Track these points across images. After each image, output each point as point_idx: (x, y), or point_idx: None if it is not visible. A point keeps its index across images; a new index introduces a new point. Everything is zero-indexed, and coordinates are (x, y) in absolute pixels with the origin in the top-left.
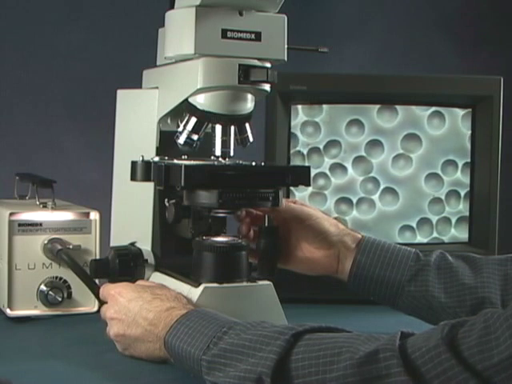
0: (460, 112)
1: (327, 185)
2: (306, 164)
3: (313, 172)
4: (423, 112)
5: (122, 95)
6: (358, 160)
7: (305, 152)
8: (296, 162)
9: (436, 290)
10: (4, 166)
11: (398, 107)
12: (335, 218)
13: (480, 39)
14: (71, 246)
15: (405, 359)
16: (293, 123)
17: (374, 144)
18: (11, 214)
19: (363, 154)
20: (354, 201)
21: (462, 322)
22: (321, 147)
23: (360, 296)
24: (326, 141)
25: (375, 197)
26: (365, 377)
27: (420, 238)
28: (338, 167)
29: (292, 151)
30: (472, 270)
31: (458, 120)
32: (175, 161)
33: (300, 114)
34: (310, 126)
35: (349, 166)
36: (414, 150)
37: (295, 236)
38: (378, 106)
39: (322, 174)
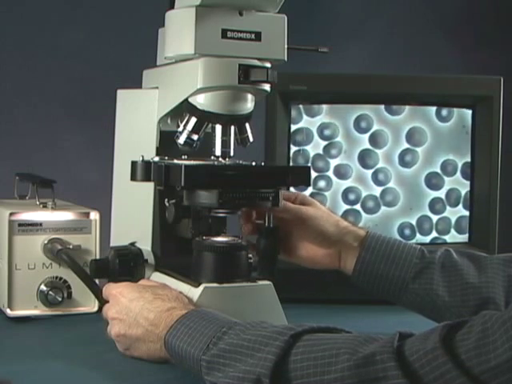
0: (467, 112)
1: (329, 184)
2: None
3: (318, 170)
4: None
5: (122, 95)
6: (362, 158)
7: (311, 154)
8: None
9: (440, 288)
10: (4, 166)
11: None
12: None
13: (480, 39)
14: (71, 246)
15: (402, 362)
16: (307, 122)
17: (377, 142)
18: (11, 214)
19: (367, 147)
20: (360, 199)
21: (461, 323)
22: (321, 148)
23: (363, 291)
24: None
25: (378, 195)
26: (362, 378)
27: (420, 238)
28: (342, 167)
29: (293, 150)
30: (476, 269)
31: (459, 120)
32: (175, 161)
33: (303, 115)
34: (327, 129)
35: (353, 164)
36: (418, 145)
37: (295, 235)
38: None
39: (325, 177)
